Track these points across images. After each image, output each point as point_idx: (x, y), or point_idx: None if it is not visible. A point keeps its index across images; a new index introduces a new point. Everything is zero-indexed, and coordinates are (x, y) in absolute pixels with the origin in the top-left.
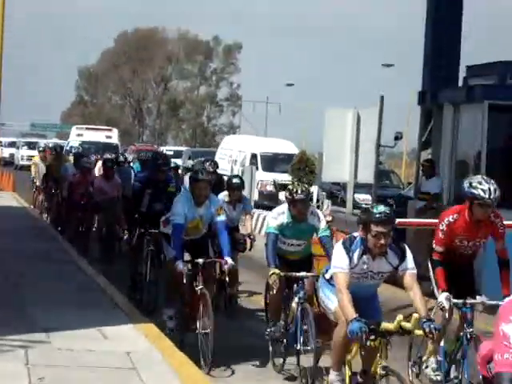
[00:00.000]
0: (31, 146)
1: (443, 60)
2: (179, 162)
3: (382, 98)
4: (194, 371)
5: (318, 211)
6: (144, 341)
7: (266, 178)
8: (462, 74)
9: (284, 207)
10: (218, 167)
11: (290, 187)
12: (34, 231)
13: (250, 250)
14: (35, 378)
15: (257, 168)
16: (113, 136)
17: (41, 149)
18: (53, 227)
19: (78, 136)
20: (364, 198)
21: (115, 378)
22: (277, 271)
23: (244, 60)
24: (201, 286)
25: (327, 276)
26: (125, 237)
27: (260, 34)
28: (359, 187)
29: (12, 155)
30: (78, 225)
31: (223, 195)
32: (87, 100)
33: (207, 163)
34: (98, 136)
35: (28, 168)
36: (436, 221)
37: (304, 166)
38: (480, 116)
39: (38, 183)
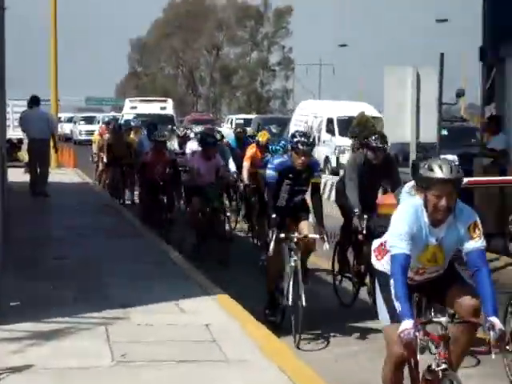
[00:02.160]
0: (89, 120)
1: (503, 13)
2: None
3: (442, 55)
4: (273, 340)
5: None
6: (221, 312)
7: (343, 144)
8: None
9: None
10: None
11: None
12: (100, 207)
13: None
14: (118, 355)
15: (333, 133)
16: (167, 107)
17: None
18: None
19: (132, 109)
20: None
21: (197, 352)
22: None
23: (295, 23)
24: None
25: None
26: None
27: None
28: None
29: (71, 131)
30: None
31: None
32: (140, 72)
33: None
34: (153, 108)
35: (87, 143)
36: (505, 177)
37: (363, 128)
38: None
39: (104, 159)
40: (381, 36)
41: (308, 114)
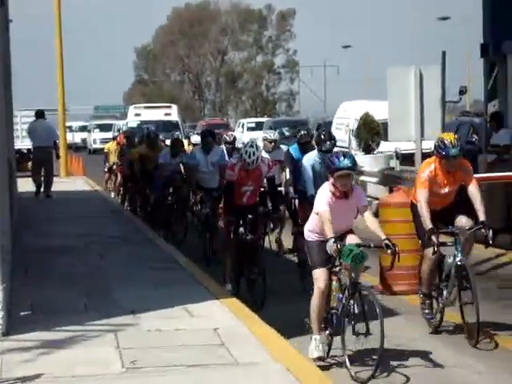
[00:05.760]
0: (103, 128)
1: (504, 10)
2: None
3: (444, 53)
4: (281, 343)
5: None
6: (229, 316)
7: (386, 148)
8: None
9: None
10: None
11: None
12: (110, 214)
13: None
14: (128, 361)
15: None
16: (172, 113)
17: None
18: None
19: (136, 116)
20: None
21: (207, 356)
22: None
23: (298, 25)
24: None
25: None
26: None
27: None
28: None
29: (84, 140)
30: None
31: None
32: (147, 79)
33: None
34: (157, 114)
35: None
36: (509, 173)
37: (368, 129)
38: None
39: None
40: (383, 36)
41: (349, 116)
